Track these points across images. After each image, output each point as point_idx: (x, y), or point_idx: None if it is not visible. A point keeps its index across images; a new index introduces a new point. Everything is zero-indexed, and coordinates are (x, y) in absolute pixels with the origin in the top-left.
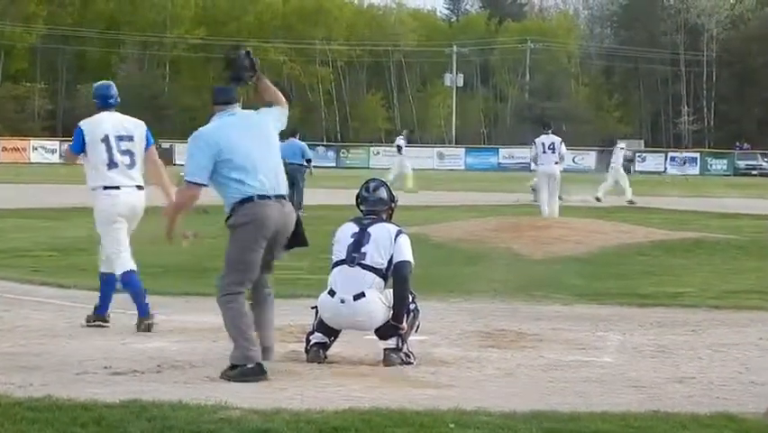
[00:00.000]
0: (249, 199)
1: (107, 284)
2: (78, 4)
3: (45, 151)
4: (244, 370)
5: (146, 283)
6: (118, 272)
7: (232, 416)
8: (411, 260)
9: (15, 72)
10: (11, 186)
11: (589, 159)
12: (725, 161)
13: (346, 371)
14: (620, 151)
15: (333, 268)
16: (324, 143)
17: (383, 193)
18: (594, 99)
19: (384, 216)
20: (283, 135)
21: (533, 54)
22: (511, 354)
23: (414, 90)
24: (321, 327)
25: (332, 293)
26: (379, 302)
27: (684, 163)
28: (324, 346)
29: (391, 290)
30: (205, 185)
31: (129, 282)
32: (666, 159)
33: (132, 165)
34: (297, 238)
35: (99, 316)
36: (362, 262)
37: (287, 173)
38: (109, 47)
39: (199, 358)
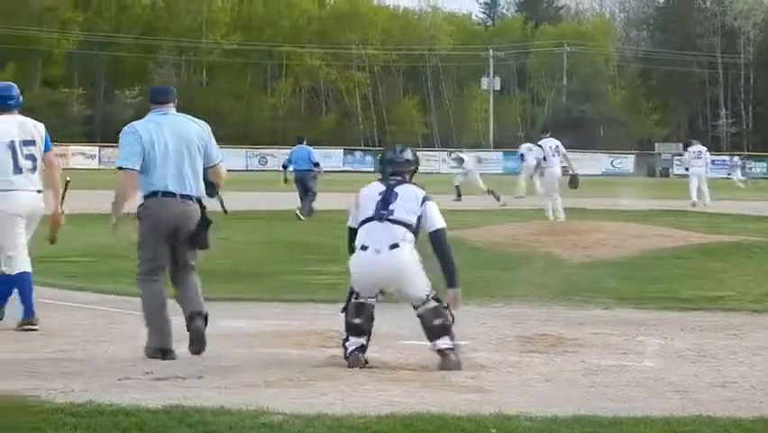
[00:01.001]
0: (154, 194)
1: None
2: (115, 10)
3: (84, 156)
4: (147, 351)
5: None
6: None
7: (273, 421)
8: (444, 225)
9: (53, 78)
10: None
11: (627, 162)
12: (764, 164)
13: (387, 376)
14: (697, 153)
15: (360, 227)
16: (362, 148)
17: (409, 154)
18: (631, 102)
19: (407, 177)
20: (292, 142)
21: (569, 57)
22: (552, 359)
23: (450, 94)
24: (351, 329)
25: (364, 248)
26: (412, 256)
27: (743, 167)
28: (363, 349)
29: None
30: (135, 170)
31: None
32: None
33: (34, 169)
34: (198, 239)
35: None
36: (391, 217)
37: (297, 180)
38: (145, 52)
39: (239, 364)
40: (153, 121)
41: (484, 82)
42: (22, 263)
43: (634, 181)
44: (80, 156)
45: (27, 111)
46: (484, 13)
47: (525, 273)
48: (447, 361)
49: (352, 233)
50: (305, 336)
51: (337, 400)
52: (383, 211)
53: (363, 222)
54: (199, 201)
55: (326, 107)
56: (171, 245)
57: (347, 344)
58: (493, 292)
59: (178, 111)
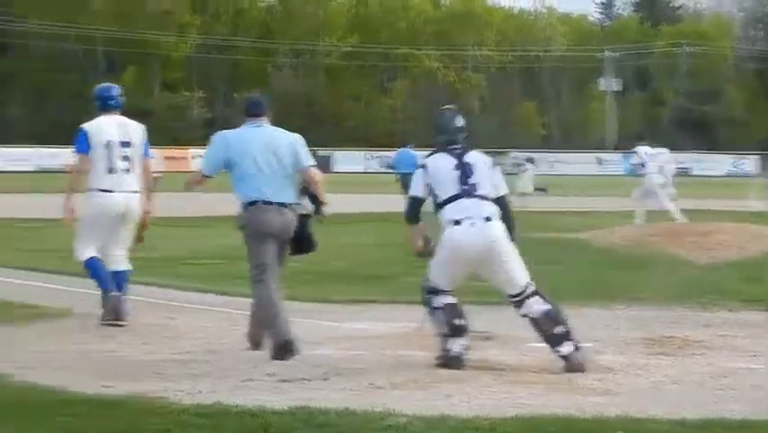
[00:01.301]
0: (252, 203)
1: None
2: (232, 14)
3: None
4: (272, 351)
5: (301, 290)
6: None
7: (398, 423)
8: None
9: (173, 81)
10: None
11: (749, 163)
12: None
13: (512, 378)
14: None
15: (445, 205)
16: (481, 150)
17: (461, 120)
18: (751, 102)
19: (465, 145)
20: (396, 145)
21: (688, 58)
22: (679, 361)
23: (568, 95)
24: (454, 330)
25: (457, 222)
26: (504, 231)
27: None
28: (467, 350)
29: None
30: (208, 176)
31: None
32: None
33: (129, 170)
34: (302, 244)
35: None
36: (478, 193)
37: (402, 183)
38: (263, 55)
39: (364, 366)
40: (245, 131)
41: (602, 83)
42: (118, 262)
43: (760, 183)
44: (200, 159)
45: (147, 114)
46: (601, 13)
47: (648, 275)
48: (572, 364)
49: (417, 202)
50: (428, 338)
51: (462, 402)
52: (466, 186)
53: (448, 200)
54: (297, 208)
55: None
56: (277, 251)
57: (449, 345)
58: (616, 294)
59: (299, 115)
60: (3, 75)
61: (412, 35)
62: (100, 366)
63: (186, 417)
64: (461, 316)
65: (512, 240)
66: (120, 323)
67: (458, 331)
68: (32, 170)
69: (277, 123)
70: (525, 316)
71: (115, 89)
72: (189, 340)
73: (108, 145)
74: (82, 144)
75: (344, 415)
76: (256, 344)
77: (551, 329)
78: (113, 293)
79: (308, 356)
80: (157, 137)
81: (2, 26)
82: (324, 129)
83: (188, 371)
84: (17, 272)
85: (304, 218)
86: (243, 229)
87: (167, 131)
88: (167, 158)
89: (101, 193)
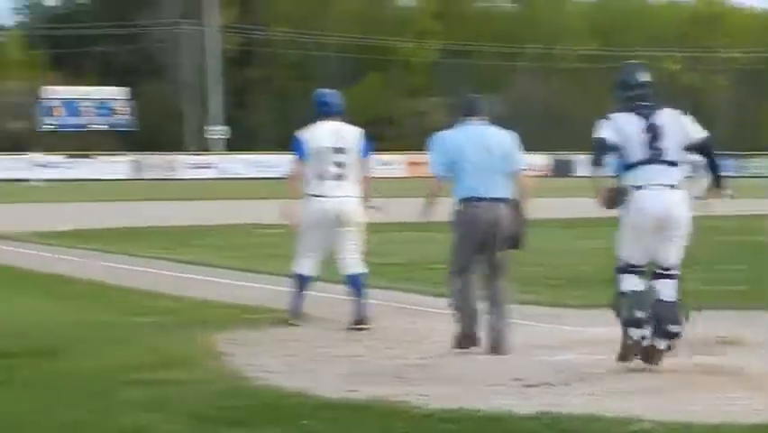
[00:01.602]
0: (466, 200)
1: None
2: (474, 20)
3: None
4: (455, 339)
5: (543, 294)
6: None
7: (643, 428)
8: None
9: (415, 87)
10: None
11: None
12: None
13: (755, 384)
14: None
15: (630, 169)
16: (724, 153)
17: (647, 75)
18: None
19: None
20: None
21: None
22: None
23: None
24: (631, 320)
25: (640, 187)
26: (686, 201)
27: None
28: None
29: None
30: (442, 176)
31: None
32: None
33: (342, 176)
34: (512, 240)
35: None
36: (665, 158)
37: None
38: (505, 60)
39: (605, 370)
40: (461, 131)
41: None
42: (351, 265)
43: None
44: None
45: (388, 121)
46: None
47: None
48: (649, 355)
49: (605, 145)
50: None
51: (705, 409)
52: (654, 151)
53: (635, 164)
54: (512, 203)
55: None
56: (485, 248)
57: (630, 333)
58: None
59: (539, 118)
60: (248, 82)
61: (654, 38)
62: (344, 370)
63: (430, 422)
64: (644, 307)
65: (718, 181)
66: (363, 327)
67: (637, 324)
68: (277, 176)
69: (516, 126)
70: (654, 290)
71: (333, 95)
72: (431, 344)
73: (321, 152)
74: (297, 151)
75: (589, 421)
76: (468, 341)
77: (667, 322)
78: (353, 298)
79: (551, 361)
80: (398, 143)
81: (248, 35)
82: (566, 132)
83: (431, 375)
84: (267, 277)
85: (518, 215)
86: (453, 224)
87: (409, 137)
88: (410, 163)
89: (314, 198)
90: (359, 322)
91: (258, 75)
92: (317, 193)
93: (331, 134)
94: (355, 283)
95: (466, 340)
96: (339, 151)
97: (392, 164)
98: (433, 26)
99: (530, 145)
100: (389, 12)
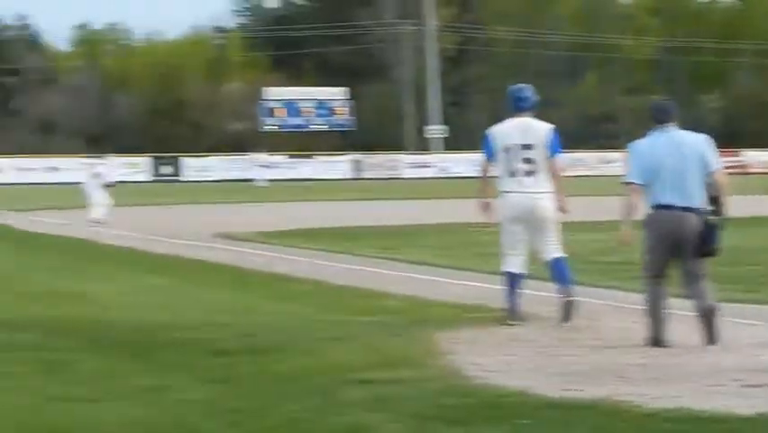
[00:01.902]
0: (656, 207)
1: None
2: (692, 15)
3: None
4: (645, 340)
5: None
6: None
7: None
8: None
9: (635, 85)
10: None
11: None
12: None
13: None
14: None
15: None
16: None
17: None
18: None
19: None
20: None
21: None
22: None
23: None
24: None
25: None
26: None
27: None
28: None
29: None
30: (639, 184)
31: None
32: None
33: (530, 173)
34: (703, 247)
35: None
36: None
37: None
38: (724, 56)
39: None
40: (654, 138)
41: None
42: (551, 251)
43: None
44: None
45: (610, 119)
46: None
47: None
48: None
49: None
50: None
51: None
52: None
53: None
54: (706, 211)
55: None
56: (676, 255)
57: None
58: None
59: (757, 116)
60: (465, 82)
61: None
62: (562, 370)
63: (653, 422)
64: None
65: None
66: (571, 311)
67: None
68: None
69: (735, 124)
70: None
71: (527, 90)
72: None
73: (509, 149)
74: (486, 149)
75: None
76: (656, 341)
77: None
78: (562, 298)
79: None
80: (620, 141)
81: (466, 33)
82: None
83: (651, 375)
84: (486, 276)
85: (710, 223)
86: (645, 230)
87: (630, 135)
88: (609, 162)
89: (506, 195)
90: (567, 307)
91: (474, 74)
92: (510, 189)
93: (519, 131)
94: (557, 268)
95: (656, 343)
96: (527, 147)
97: (615, 162)
98: (650, 23)
99: (750, 143)
100: (609, 9)
